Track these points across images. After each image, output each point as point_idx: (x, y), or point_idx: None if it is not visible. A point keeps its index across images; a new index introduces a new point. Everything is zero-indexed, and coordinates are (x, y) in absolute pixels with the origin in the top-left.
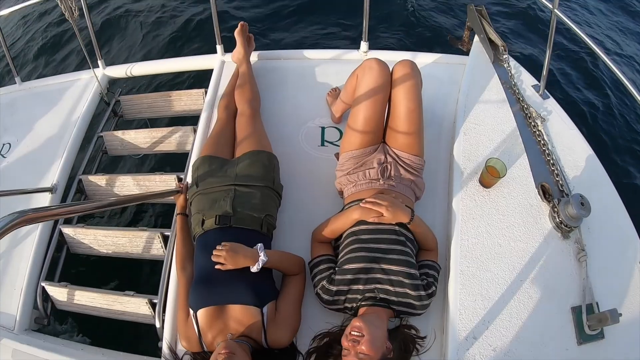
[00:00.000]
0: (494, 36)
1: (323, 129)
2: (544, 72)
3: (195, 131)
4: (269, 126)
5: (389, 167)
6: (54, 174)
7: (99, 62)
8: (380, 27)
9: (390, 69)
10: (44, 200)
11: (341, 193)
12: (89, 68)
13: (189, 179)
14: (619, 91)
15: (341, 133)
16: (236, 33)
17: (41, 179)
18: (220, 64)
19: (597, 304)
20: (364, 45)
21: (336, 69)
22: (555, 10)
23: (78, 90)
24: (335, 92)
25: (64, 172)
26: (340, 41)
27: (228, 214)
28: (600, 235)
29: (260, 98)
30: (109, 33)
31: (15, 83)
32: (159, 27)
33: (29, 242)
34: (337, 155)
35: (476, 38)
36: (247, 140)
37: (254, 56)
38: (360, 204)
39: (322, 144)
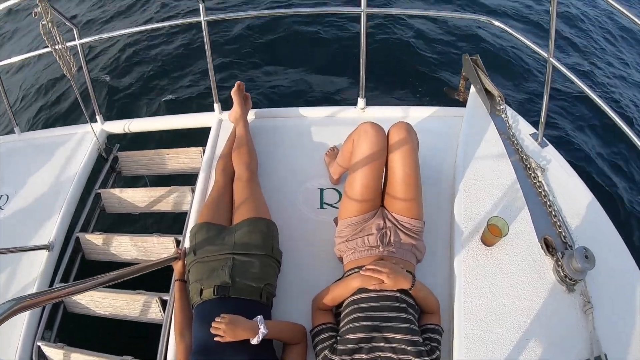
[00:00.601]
0: (490, 86)
1: (322, 190)
2: (542, 119)
3: (193, 191)
4: (266, 188)
5: (388, 232)
6: (51, 231)
7: (97, 117)
8: (377, 81)
9: (386, 131)
10: (40, 257)
11: (341, 259)
12: (88, 121)
13: (187, 244)
14: (616, 134)
15: (340, 195)
16: (233, 92)
17: (38, 234)
18: (218, 122)
19: (605, 355)
20: (361, 101)
21: (333, 127)
22: (551, 58)
23: (76, 145)
24: (333, 152)
25: (61, 229)
26: (339, 96)
27: (227, 284)
28: (606, 284)
29: (258, 159)
30: (107, 85)
31: (15, 133)
32: (158, 80)
33: None
34: (335, 220)
35: (472, 88)
36: (245, 207)
37: (251, 114)
38: (361, 272)
39: (321, 207)
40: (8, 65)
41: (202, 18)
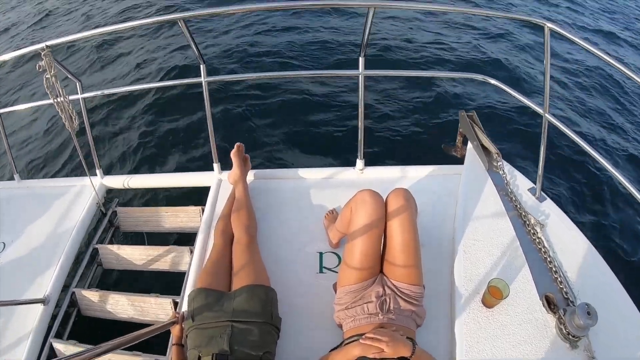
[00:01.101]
0: (487, 143)
1: (321, 254)
2: (539, 173)
3: (191, 252)
4: (265, 251)
5: (387, 299)
6: (47, 284)
7: (97, 171)
8: (376, 140)
9: (385, 198)
10: (35, 311)
11: (340, 326)
12: (87, 174)
13: (184, 308)
14: (614, 185)
15: (339, 258)
16: (232, 154)
17: (33, 286)
18: (217, 182)
19: None
20: (359, 163)
21: (333, 189)
22: (546, 115)
23: (75, 197)
24: (332, 216)
25: (58, 283)
26: (338, 156)
27: (225, 352)
28: (610, 338)
29: (257, 220)
30: (108, 139)
31: (14, 180)
32: (159, 137)
33: None
34: (335, 286)
35: (469, 145)
36: (244, 272)
37: (250, 175)
38: (360, 340)
39: (320, 271)
40: (11, 112)
41: (203, 79)
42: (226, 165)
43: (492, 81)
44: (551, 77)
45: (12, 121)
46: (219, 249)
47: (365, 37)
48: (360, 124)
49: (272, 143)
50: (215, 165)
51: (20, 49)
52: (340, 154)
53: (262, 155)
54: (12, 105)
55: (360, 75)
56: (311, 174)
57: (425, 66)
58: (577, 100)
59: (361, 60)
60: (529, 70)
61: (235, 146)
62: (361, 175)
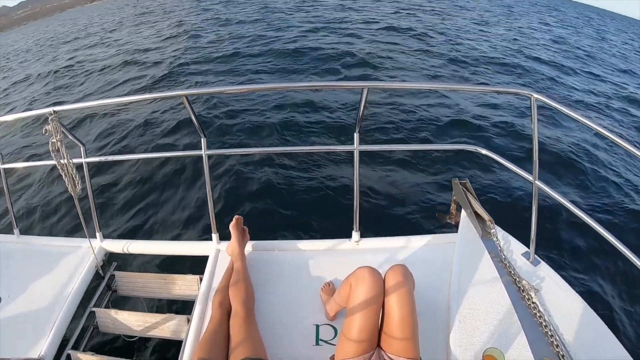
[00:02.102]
0: (480, 210)
1: (317, 326)
2: (532, 237)
3: (189, 321)
4: (262, 323)
5: None
6: (42, 345)
7: (97, 234)
8: (371, 211)
9: (383, 275)
10: None
11: None
12: (87, 237)
13: None
14: (607, 245)
15: (336, 331)
16: (231, 226)
17: (28, 345)
18: (216, 252)
19: None
20: (355, 235)
21: (329, 261)
22: (536, 182)
23: (74, 258)
24: (329, 288)
25: (53, 344)
26: (334, 228)
27: None
28: None
29: (254, 292)
30: (109, 202)
31: (13, 234)
32: (159, 204)
33: None
34: (332, 359)
35: (463, 213)
36: (241, 347)
37: (248, 246)
38: None
39: (317, 343)
40: (15, 168)
41: (203, 152)
42: (225, 235)
43: (483, 151)
44: (540, 143)
45: (15, 176)
46: (216, 321)
47: (360, 114)
48: (356, 197)
49: (270, 214)
50: (214, 236)
51: (28, 111)
52: (337, 225)
53: (259, 226)
54: (16, 162)
55: (355, 151)
56: (308, 246)
57: (418, 138)
58: (566, 164)
59: (356, 136)
60: (518, 138)
61: (234, 219)
62: (357, 247)
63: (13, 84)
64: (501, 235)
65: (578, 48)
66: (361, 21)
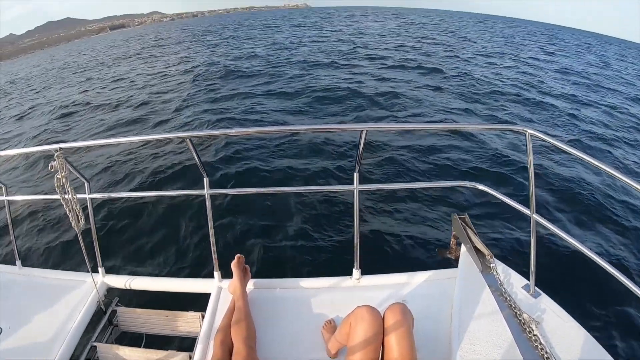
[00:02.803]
0: (479, 245)
1: None
2: (532, 270)
3: (191, 358)
4: None
5: None
6: None
7: (99, 269)
8: (371, 248)
9: (382, 313)
10: None
11: None
12: (89, 271)
13: None
14: (605, 276)
15: None
16: (233, 265)
17: None
18: (218, 290)
19: None
20: (356, 272)
21: (330, 298)
22: (534, 215)
23: (76, 292)
24: (330, 326)
25: None
26: (335, 265)
27: None
28: None
29: (256, 330)
30: (112, 238)
31: (15, 265)
32: (162, 239)
33: None
34: None
35: (463, 248)
36: None
37: (250, 284)
38: None
39: None
40: (20, 201)
41: (206, 191)
42: (227, 272)
43: (480, 187)
44: (537, 177)
45: (19, 208)
46: (218, 359)
47: (359, 154)
48: (356, 235)
49: (271, 252)
50: (216, 273)
51: (34, 146)
52: (338, 262)
53: (261, 264)
54: (20, 194)
55: (355, 190)
56: (309, 284)
57: (416, 175)
58: (563, 197)
59: (356, 176)
60: (514, 172)
61: (235, 257)
62: (358, 284)
63: (19, 118)
64: (501, 269)
65: (586, 77)
66: (366, 56)
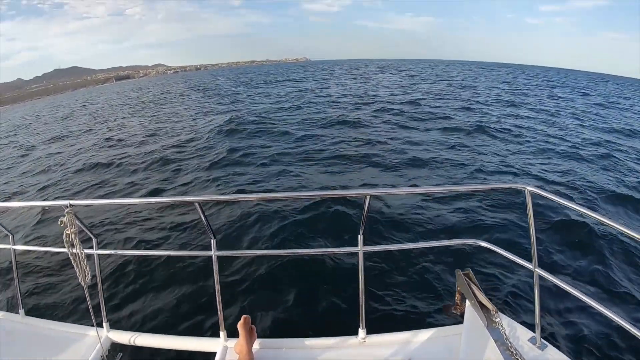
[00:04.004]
0: (484, 300)
1: None
2: (537, 322)
3: None
4: None
5: None
6: None
7: (104, 324)
8: (377, 307)
9: None
10: None
11: None
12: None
13: None
14: (614, 326)
15: None
16: (239, 326)
17: None
18: (223, 349)
19: None
20: (361, 332)
21: (337, 358)
22: (536, 269)
23: (79, 346)
24: None
25: None
26: (341, 324)
27: None
28: None
29: None
30: (118, 293)
31: (19, 313)
32: (168, 298)
33: None
34: None
35: (468, 303)
36: None
37: (256, 344)
38: None
39: None
40: (24, 250)
41: (213, 252)
42: (232, 332)
43: (483, 244)
44: (538, 232)
45: (26, 257)
46: None
47: (364, 217)
48: (362, 295)
49: (277, 312)
50: (222, 333)
51: (45, 201)
52: (344, 321)
53: (267, 323)
54: (28, 244)
55: (359, 252)
56: (315, 344)
57: (420, 234)
58: (563, 249)
59: (360, 238)
60: (517, 227)
61: (242, 318)
62: (364, 343)
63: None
64: (506, 323)
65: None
66: (373, 111)
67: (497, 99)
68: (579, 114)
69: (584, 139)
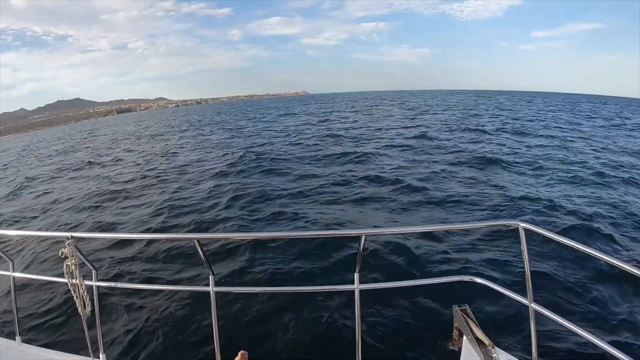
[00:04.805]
0: (481, 335)
1: None
2: (534, 355)
3: None
4: None
5: None
6: None
7: (101, 355)
8: (375, 344)
9: None
10: None
11: None
12: (90, 355)
13: None
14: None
15: None
16: None
17: None
18: None
19: None
20: None
21: None
22: (532, 304)
23: None
24: None
25: None
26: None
27: None
28: None
29: None
30: (116, 325)
31: (15, 340)
32: (166, 331)
33: None
34: None
35: (465, 339)
36: None
37: None
38: None
39: None
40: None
41: (211, 289)
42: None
43: (479, 280)
44: (533, 267)
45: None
46: None
47: (359, 256)
48: (358, 333)
49: (274, 347)
50: None
51: (47, 231)
52: (341, 357)
53: (264, 358)
54: (28, 273)
55: (356, 289)
56: None
57: (417, 271)
58: (558, 284)
59: (356, 276)
60: (512, 263)
61: (239, 354)
62: None
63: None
64: (504, 357)
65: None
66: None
67: (502, 127)
68: (588, 138)
69: (602, 162)
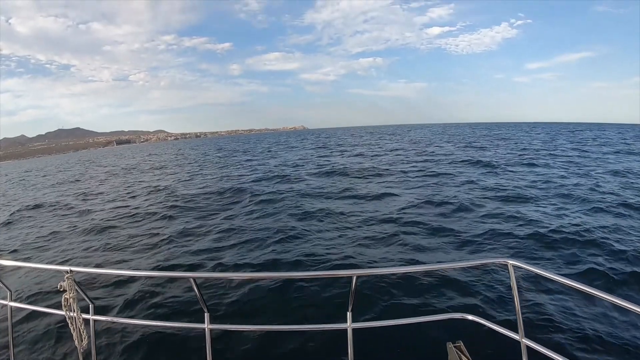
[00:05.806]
0: None
1: None
2: None
3: None
4: None
5: None
6: None
7: None
8: None
9: None
10: None
11: None
12: None
13: None
14: None
15: None
16: None
17: None
18: None
19: None
20: None
21: None
22: (523, 340)
23: None
24: None
25: None
26: None
27: None
28: None
29: None
30: (112, 356)
31: None
32: None
33: None
34: None
35: None
36: None
37: None
38: None
39: None
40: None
41: (206, 326)
42: None
43: (470, 317)
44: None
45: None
46: None
47: (351, 296)
48: None
49: None
50: None
51: (47, 264)
52: None
53: None
54: (25, 303)
55: (348, 328)
56: None
57: (408, 309)
58: (549, 319)
59: (349, 315)
60: (505, 301)
61: None
62: None
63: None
64: None
65: None
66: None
67: (511, 160)
68: (602, 165)
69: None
